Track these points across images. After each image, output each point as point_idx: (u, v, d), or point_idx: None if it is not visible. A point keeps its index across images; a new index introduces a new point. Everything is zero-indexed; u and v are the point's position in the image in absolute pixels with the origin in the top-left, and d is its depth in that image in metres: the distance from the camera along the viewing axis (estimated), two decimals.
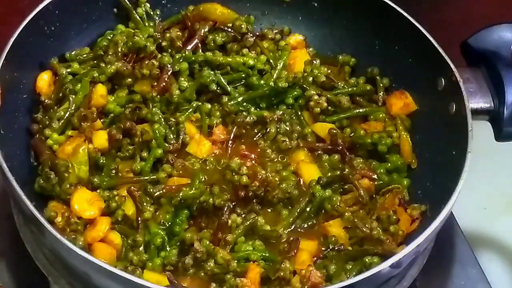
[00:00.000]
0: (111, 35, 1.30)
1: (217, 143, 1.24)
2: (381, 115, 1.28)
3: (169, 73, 1.26)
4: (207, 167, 1.20)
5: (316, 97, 1.28)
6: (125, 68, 1.24)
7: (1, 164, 1.04)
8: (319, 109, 1.27)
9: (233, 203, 1.14)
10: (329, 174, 1.19)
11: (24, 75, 1.21)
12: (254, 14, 1.40)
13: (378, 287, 1.08)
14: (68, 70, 1.25)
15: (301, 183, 1.19)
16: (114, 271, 0.95)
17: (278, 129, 1.26)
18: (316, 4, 1.39)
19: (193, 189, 1.12)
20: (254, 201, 1.16)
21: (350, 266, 1.09)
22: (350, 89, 1.31)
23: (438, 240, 1.18)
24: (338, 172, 1.19)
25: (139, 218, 1.12)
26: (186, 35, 1.34)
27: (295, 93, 1.29)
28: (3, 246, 1.24)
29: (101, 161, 1.17)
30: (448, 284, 1.29)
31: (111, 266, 0.95)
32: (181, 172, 1.18)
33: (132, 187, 1.14)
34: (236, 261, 1.07)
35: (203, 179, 1.14)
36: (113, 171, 1.17)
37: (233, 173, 1.16)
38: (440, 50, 1.22)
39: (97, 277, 0.99)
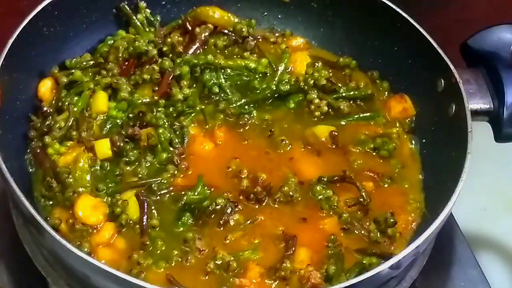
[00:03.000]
0: (112, 41, 1.31)
1: (220, 145, 1.24)
2: (381, 121, 1.29)
3: (170, 77, 1.26)
4: (209, 169, 1.20)
5: (317, 100, 1.28)
6: (124, 86, 1.25)
7: (0, 165, 1.03)
8: (319, 112, 1.28)
9: (235, 204, 1.15)
10: (330, 174, 1.20)
11: (23, 76, 1.21)
12: (253, 15, 1.40)
13: None
14: (70, 77, 1.25)
15: (302, 181, 1.19)
16: (114, 273, 0.95)
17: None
18: (315, 5, 1.40)
19: (196, 193, 1.12)
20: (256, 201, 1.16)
21: (350, 267, 1.09)
22: (350, 93, 1.31)
23: (437, 241, 1.19)
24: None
25: (145, 223, 1.12)
26: (187, 39, 1.34)
27: (297, 99, 1.30)
28: (2, 247, 1.25)
29: (105, 167, 1.17)
30: (448, 285, 1.29)
31: (111, 268, 0.95)
32: (183, 175, 1.19)
33: (140, 192, 1.14)
34: (236, 261, 1.07)
35: (205, 185, 1.14)
36: (118, 177, 1.17)
37: (235, 178, 1.18)
38: (440, 51, 1.23)
39: (96, 278, 0.99)
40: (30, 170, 1.18)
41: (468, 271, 1.30)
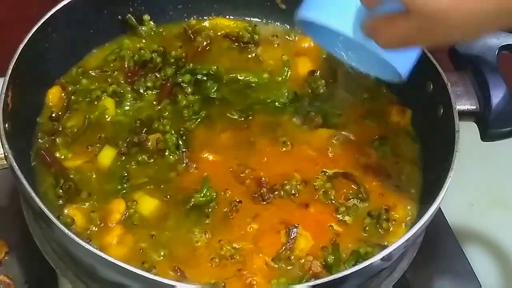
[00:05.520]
0: (119, 50, 1.35)
1: (224, 147, 1.26)
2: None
3: (173, 85, 1.30)
4: (215, 170, 1.23)
5: (313, 114, 1.30)
6: (129, 94, 1.28)
7: (11, 163, 1.06)
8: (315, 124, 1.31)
9: (240, 201, 1.18)
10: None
11: (33, 80, 1.23)
12: (253, 22, 1.43)
13: (371, 279, 1.12)
14: (77, 86, 1.29)
15: (303, 178, 1.22)
16: (123, 267, 0.97)
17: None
18: None
19: (202, 195, 1.17)
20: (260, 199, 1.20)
21: (347, 256, 1.12)
22: None
23: (427, 234, 1.21)
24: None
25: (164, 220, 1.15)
26: (190, 48, 1.37)
27: (298, 104, 1.33)
28: (13, 241, 1.28)
29: (113, 169, 1.20)
30: (437, 276, 1.32)
31: (121, 262, 0.98)
32: (190, 176, 1.21)
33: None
34: (240, 253, 1.11)
35: (211, 187, 1.18)
36: (125, 179, 1.19)
37: (239, 177, 1.21)
38: (429, 55, 1.25)
39: (103, 270, 1.03)
40: (34, 165, 1.20)
41: (456, 263, 1.34)
